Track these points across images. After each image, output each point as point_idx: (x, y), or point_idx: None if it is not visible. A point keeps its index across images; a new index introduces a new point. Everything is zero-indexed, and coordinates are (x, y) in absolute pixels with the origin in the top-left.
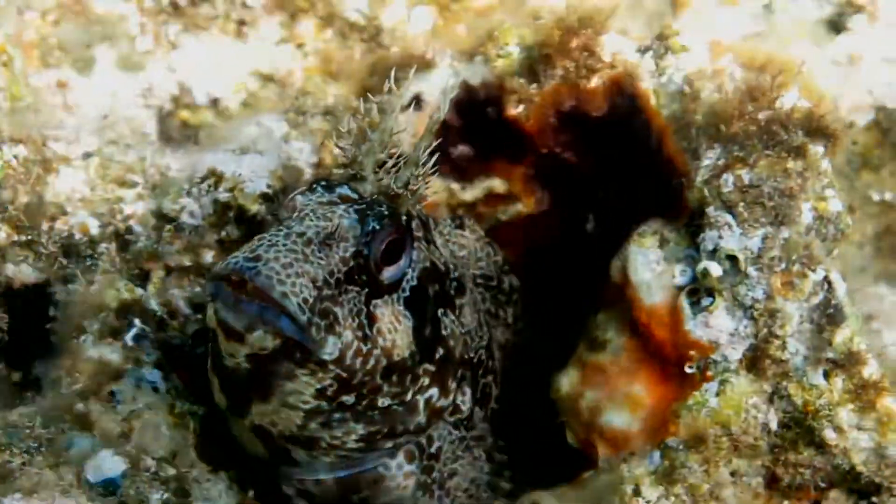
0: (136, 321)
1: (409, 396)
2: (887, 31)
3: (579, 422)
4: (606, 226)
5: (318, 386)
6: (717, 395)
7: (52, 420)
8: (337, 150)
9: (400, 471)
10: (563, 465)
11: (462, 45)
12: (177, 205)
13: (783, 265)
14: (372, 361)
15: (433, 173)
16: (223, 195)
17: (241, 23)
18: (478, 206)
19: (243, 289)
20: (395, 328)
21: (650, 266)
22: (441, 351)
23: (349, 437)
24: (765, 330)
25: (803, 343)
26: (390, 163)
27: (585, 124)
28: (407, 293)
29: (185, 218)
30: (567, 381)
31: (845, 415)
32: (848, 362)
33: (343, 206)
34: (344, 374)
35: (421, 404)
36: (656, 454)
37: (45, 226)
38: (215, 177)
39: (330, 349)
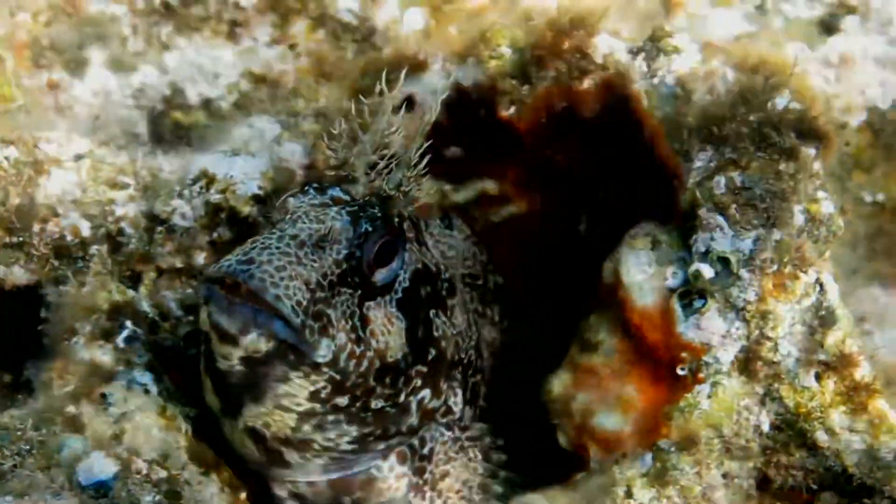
0: (128, 323)
1: (401, 398)
2: (879, 32)
3: (571, 423)
4: (599, 227)
5: (312, 388)
6: (709, 397)
7: (44, 422)
8: (329, 152)
9: (392, 472)
10: (554, 466)
11: (454, 47)
12: (168, 206)
13: (775, 267)
14: (365, 363)
15: (425, 175)
16: (215, 197)
17: (234, 23)
18: (470, 207)
19: (237, 292)
20: (387, 330)
21: (642, 268)
22: (433, 352)
23: (342, 439)
24: (757, 332)
25: (795, 345)
26: (382, 164)
27: (578, 126)
28: (399, 295)
29: (176, 219)
30: (559, 382)
31: (837, 417)
32: (840, 364)
33: (335, 209)
34: (337, 377)
35: (413, 406)
36: (648, 456)
37: (36, 227)
38: (207, 178)
39: (323, 351)
